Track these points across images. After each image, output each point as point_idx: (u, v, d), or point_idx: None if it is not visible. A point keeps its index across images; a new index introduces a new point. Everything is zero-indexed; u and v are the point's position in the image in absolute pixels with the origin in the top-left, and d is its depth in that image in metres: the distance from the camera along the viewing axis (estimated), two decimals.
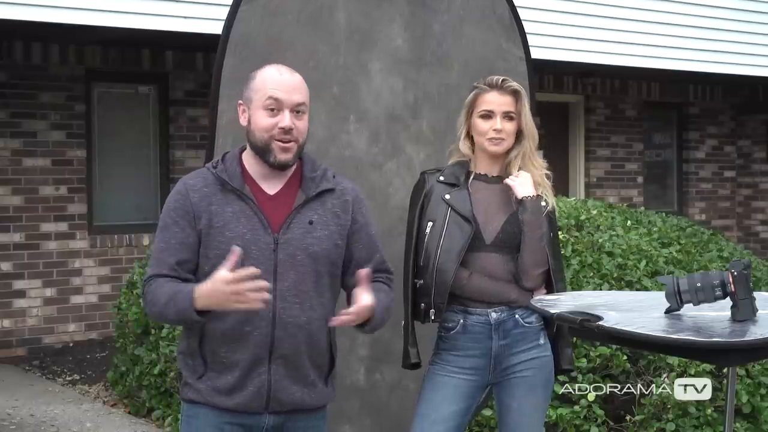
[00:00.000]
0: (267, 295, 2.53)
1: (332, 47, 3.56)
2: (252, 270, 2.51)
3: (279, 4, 3.47)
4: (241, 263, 2.58)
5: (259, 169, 2.76)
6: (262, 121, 2.70)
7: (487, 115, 3.20)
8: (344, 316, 2.65)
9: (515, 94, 3.21)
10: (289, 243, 2.69)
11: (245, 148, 2.80)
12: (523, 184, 3.20)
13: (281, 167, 2.72)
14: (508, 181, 3.21)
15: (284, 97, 2.69)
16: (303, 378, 2.73)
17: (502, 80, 3.22)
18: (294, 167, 2.79)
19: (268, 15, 3.44)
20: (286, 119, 2.68)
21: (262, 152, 2.71)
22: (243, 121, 2.77)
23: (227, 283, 2.50)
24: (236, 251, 2.52)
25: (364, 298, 2.66)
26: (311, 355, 2.74)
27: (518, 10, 3.89)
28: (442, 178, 3.25)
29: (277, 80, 2.72)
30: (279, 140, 2.69)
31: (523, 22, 3.90)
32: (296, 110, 2.71)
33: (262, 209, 2.70)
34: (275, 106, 2.69)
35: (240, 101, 2.79)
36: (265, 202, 2.72)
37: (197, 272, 2.71)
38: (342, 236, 2.78)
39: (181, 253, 2.69)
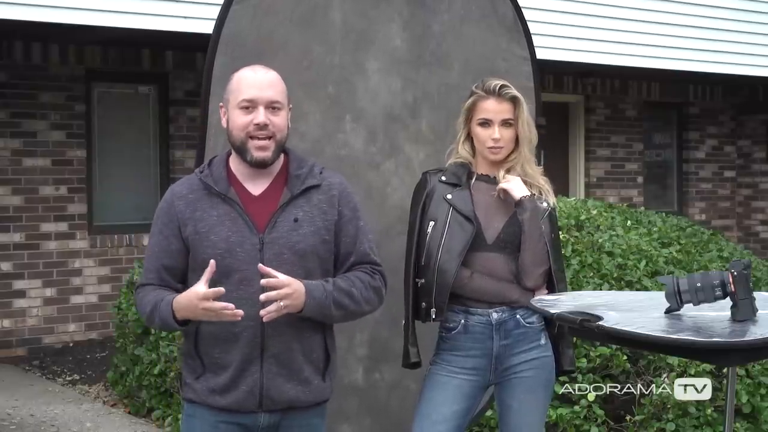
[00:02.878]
0: (240, 313, 2.57)
1: (327, 47, 3.55)
2: (220, 290, 2.56)
3: (271, 4, 3.45)
4: (228, 266, 2.65)
5: (244, 170, 2.77)
6: (237, 120, 2.73)
7: (486, 123, 3.20)
8: (270, 306, 2.59)
9: (514, 100, 3.20)
10: (275, 242, 2.70)
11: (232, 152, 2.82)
12: (517, 185, 3.20)
13: (259, 165, 2.74)
14: (502, 185, 3.21)
15: (257, 95, 2.71)
16: (297, 375, 2.74)
17: (501, 87, 3.19)
18: (280, 166, 2.80)
19: (259, 14, 3.43)
20: (260, 116, 2.70)
21: (240, 151, 2.74)
22: (224, 123, 2.80)
23: (199, 300, 2.57)
24: (212, 265, 2.59)
25: (278, 277, 2.60)
26: (305, 351, 2.75)
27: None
28: (444, 178, 3.25)
29: (250, 79, 2.75)
30: (254, 137, 2.71)
31: None
32: (271, 107, 2.73)
33: (247, 211, 2.72)
34: (250, 105, 2.72)
35: (221, 104, 2.83)
36: (250, 203, 2.74)
37: (188, 278, 2.76)
38: (329, 231, 2.78)
39: (165, 260, 2.75)
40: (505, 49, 3.81)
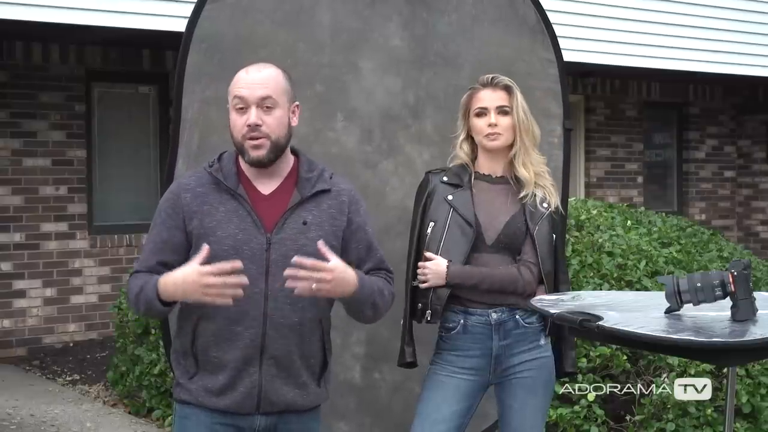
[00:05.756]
0: (240, 293, 2.52)
1: (314, 46, 3.52)
2: (238, 264, 2.51)
3: (249, 4, 3.42)
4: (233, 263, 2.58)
5: (253, 169, 2.74)
6: (234, 121, 2.70)
7: (482, 113, 3.23)
8: (301, 283, 2.53)
9: (507, 89, 3.23)
10: (283, 243, 2.67)
11: None
12: (436, 274, 3.17)
13: (256, 164, 2.70)
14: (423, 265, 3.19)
15: (248, 94, 2.67)
16: (294, 379, 2.71)
17: (493, 77, 3.25)
18: (290, 167, 2.77)
19: (237, 14, 3.40)
20: (252, 116, 2.66)
21: (240, 152, 2.72)
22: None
23: (202, 275, 2.49)
24: (205, 248, 2.53)
25: (331, 260, 2.54)
26: (303, 356, 2.72)
27: None
28: (445, 178, 3.26)
29: (242, 79, 2.71)
30: (249, 138, 2.67)
31: None
32: (263, 105, 2.68)
33: (255, 209, 2.68)
34: (242, 104, 2.68)
35: (228, 105, 2.80)
36: (260, 201, 2.70)
37: None
38: (337, 237, 2.75)
39: (164, 252, 2.69)
40: (527, 51, 3.74)
